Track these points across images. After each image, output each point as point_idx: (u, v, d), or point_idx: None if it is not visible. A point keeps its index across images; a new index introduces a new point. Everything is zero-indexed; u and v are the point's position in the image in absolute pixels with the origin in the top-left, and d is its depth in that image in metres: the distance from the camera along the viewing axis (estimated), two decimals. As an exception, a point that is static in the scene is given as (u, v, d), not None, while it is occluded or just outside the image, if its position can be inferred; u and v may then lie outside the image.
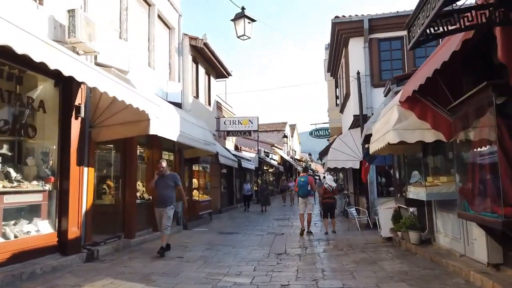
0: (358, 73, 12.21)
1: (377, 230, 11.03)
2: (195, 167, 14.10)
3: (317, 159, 74.42)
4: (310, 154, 47.77)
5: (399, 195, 8.57)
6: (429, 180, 6.97)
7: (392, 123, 5.59)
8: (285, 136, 22.98)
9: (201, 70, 14.69)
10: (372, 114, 11.88)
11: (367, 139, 9.11)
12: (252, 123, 16.24)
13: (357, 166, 12.74)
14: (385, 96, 9.32)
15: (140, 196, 9.62)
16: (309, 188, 10.72)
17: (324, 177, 23.31)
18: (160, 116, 7.61)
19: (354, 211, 12.20)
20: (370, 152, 7.17)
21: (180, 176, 8.76)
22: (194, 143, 10.39)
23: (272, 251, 8.35)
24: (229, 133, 20.08)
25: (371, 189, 12.23)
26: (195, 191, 13.99)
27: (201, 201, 13.87)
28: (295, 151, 49.79)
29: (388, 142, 5.82)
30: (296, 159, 46.50)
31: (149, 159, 10.40)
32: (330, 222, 11.32)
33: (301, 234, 10.55)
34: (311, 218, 11.03)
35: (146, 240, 9.17)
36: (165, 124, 8.07)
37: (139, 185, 10.08)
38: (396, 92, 7.38)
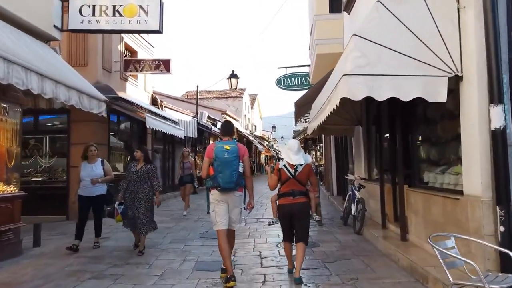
0: None
1: None
2: None
3: (279, 139, 64.55)
4: (274, 127, 37.90)
5: None
6: None
7: None
8: (234, 76, 13.66)
9: None
10: None
11: None
12: (146, 13, 6.69)
13: (442, 99, 3.83)
14: None
15: None
16: (240, 170, 4.44)
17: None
18: None
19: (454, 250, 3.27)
20: None
21: None
22: None
23: None
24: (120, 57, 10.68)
25: None
26: None
27: None
28: (255, 126, 40.79)
29: None
30: (257, 135, 37.60)
31: None
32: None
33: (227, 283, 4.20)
34: (234, 242, 4.84)
35: None
36: None
37: None
38: None
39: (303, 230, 4.50)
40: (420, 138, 5.44)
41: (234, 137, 5.03)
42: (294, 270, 4.44)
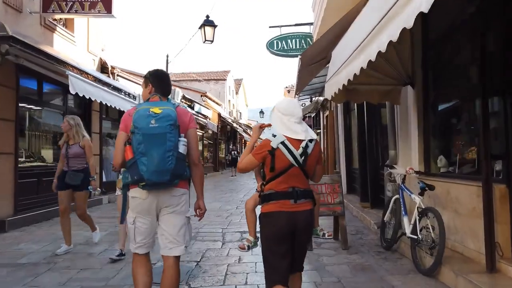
0: None
1: None
2: None
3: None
4: (261, 112, 34.17)
5: None
6: None
7: None
8: (209, 23, 10.33)
9: None
10: None
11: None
12: None
13: None
14: None
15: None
16: (181, 150, 2.33)
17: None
18: None
19: None
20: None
21: None
22: None
23: None
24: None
25: None
26: None
27: None
28: (240, 113, 37.28)
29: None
30: (241, 123, 34.17)
31: None
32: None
33: None
34: (176, 280, 2.46)
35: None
36: None
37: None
38: None
39: (302, 255, 2.49)
40: None
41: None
42: None
